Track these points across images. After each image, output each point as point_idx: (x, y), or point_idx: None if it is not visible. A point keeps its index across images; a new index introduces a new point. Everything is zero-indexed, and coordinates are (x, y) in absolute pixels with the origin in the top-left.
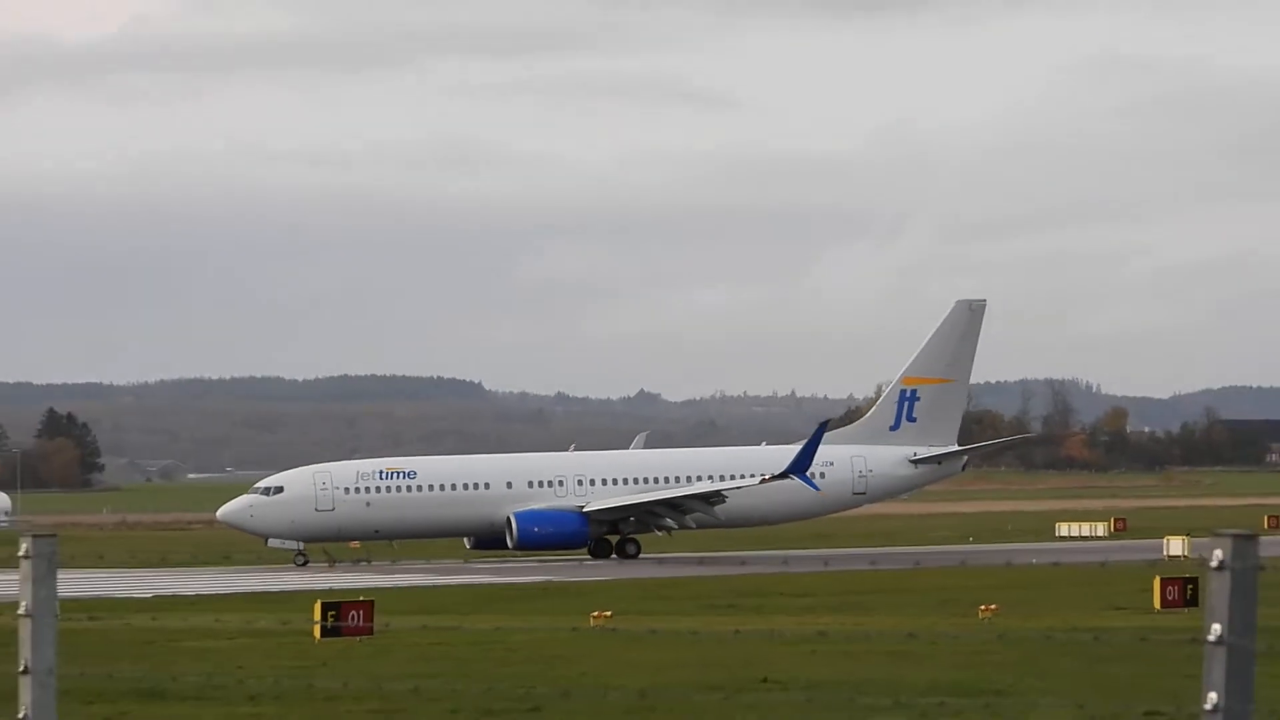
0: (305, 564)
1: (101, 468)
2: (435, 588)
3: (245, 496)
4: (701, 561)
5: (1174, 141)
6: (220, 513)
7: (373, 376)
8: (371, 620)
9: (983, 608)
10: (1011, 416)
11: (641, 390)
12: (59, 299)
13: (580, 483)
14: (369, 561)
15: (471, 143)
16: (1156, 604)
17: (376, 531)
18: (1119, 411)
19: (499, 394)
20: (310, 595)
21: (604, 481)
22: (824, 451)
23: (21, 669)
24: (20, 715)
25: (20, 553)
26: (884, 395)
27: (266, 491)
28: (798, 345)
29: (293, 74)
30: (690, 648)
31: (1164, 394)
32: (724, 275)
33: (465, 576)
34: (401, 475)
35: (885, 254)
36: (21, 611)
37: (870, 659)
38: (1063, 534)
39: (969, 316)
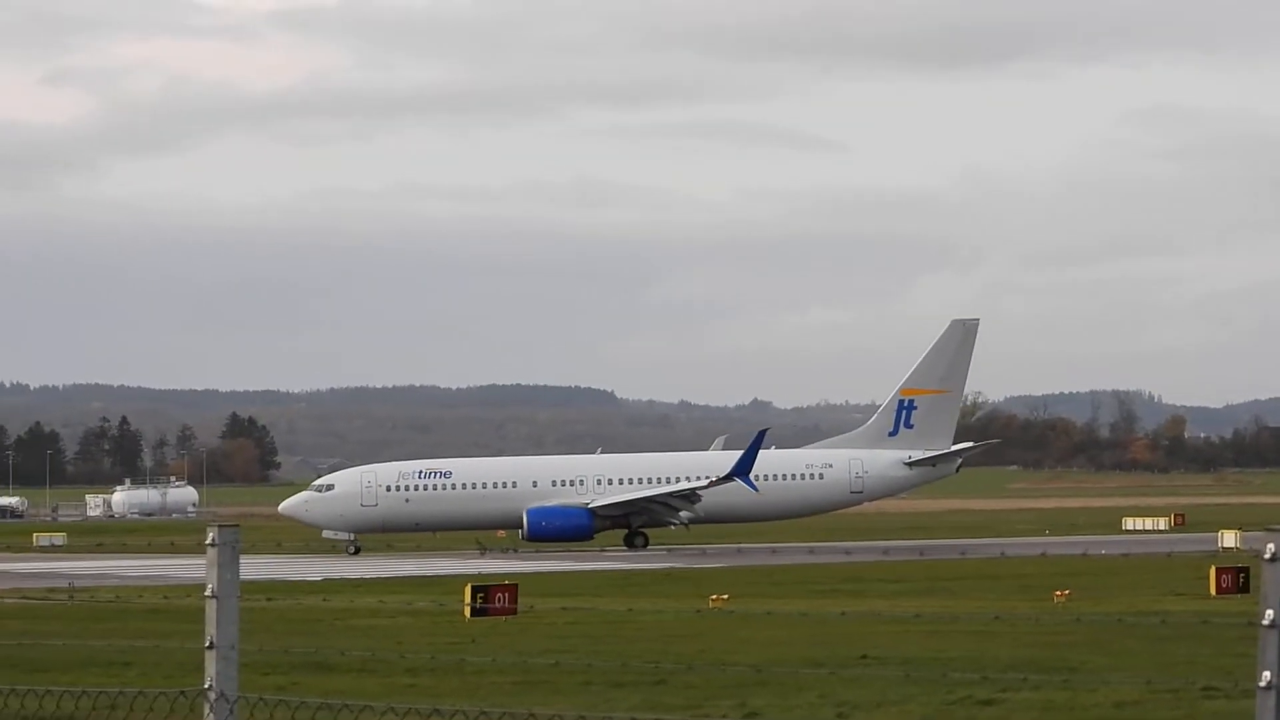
0: (357, 552)
1: (278, 465)
2: (573, 573)
3: (304, 493)
4: (812, 551)
5: (1223, 180)
6: (281, 506)
7: (518, 385)
8: (516, 602)
9: (1058, 593)
10: (1082, 424)
11: (755, 398)
12: (241, 316)
13: (600, 482)
14: (515, 550)
15: (606, 180)
16: (1212, 590)
17: (417, 524)
18: (1178, 419)
19: (630, 401)
20: (461, 579)
21: (621, 481)
22: (825, 454)
23: (207, 644)
24: (206, 685)
25: (207, 541)
26: (884, 405)
27: (320, 489)
28: (891, 359)
29: (448, 120)
30: (799, 627)
31: (1218, 404)
32: (827, 296)
33: (599, 563)
34: (439, 475)
35: (966, 278)
36: (208, 593)
37: (958, 638)
38: (1128, 528)
39: (963, 334)
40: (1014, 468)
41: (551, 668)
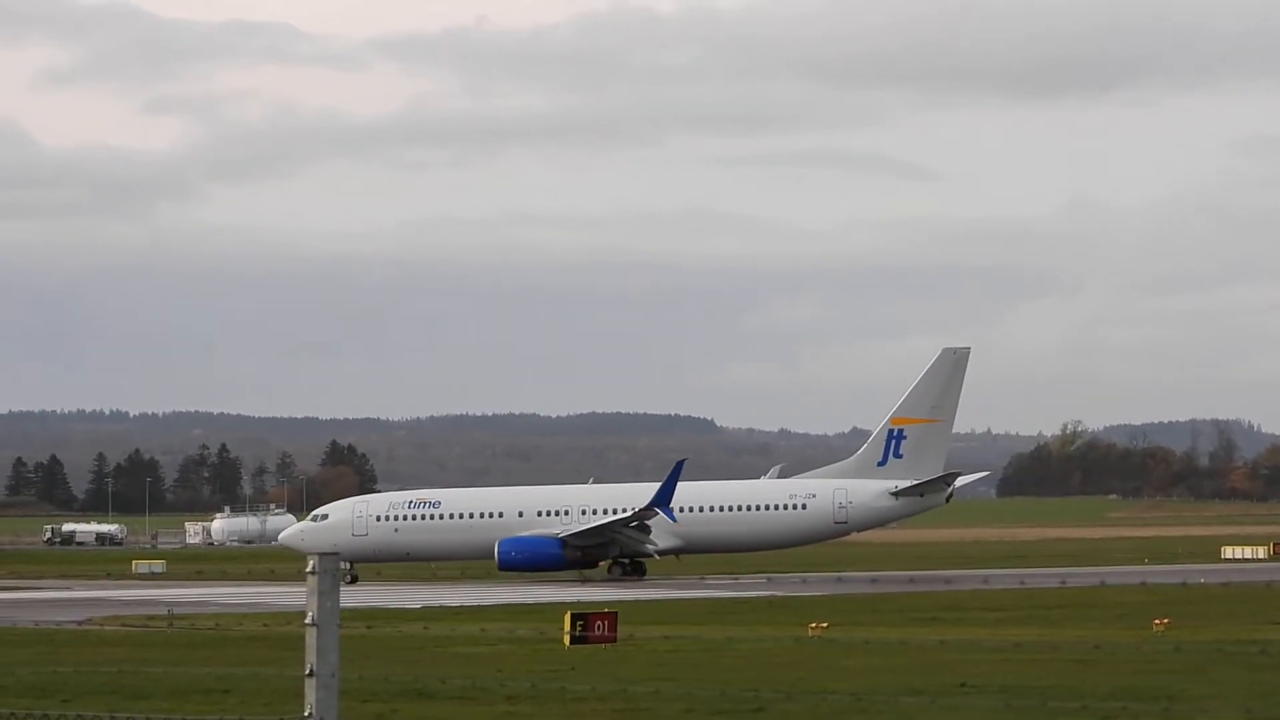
0: (353, 581)
1: (378, 493)
2: (673, 601)
3: (301, 523)
4: (912, 580)
5: None
6: (280, 536)
7: (618, 413)
8: (615, 629)
9: (1157, 621)
10: (1182, 452)
11: (855, 427)
12: (342, 344)
13: (585, 512)
14: (619, 578)
15: (707, 209)
16: None
17: (407, 554)
18: (1277, 448)
19: (729, 429)
20: (560, 607)
21: (606, 511)
22: (809, 484)
23: (308, 672)
24: (306, 713)
25: (308, 569)
26: (874, 434)
27: (316, 519)
28: (991, 388)
29: (552, 148)
30: (899, 655)
31: None
32: (926, 325)
33: (699, 591)
34: (428, 505)
35: (1068, 308)
36: (308, 621)
37: (1057, 666)
38: (1227, 556)
39: (954, 362)
40: (1113, 497)
41: (652, 695)
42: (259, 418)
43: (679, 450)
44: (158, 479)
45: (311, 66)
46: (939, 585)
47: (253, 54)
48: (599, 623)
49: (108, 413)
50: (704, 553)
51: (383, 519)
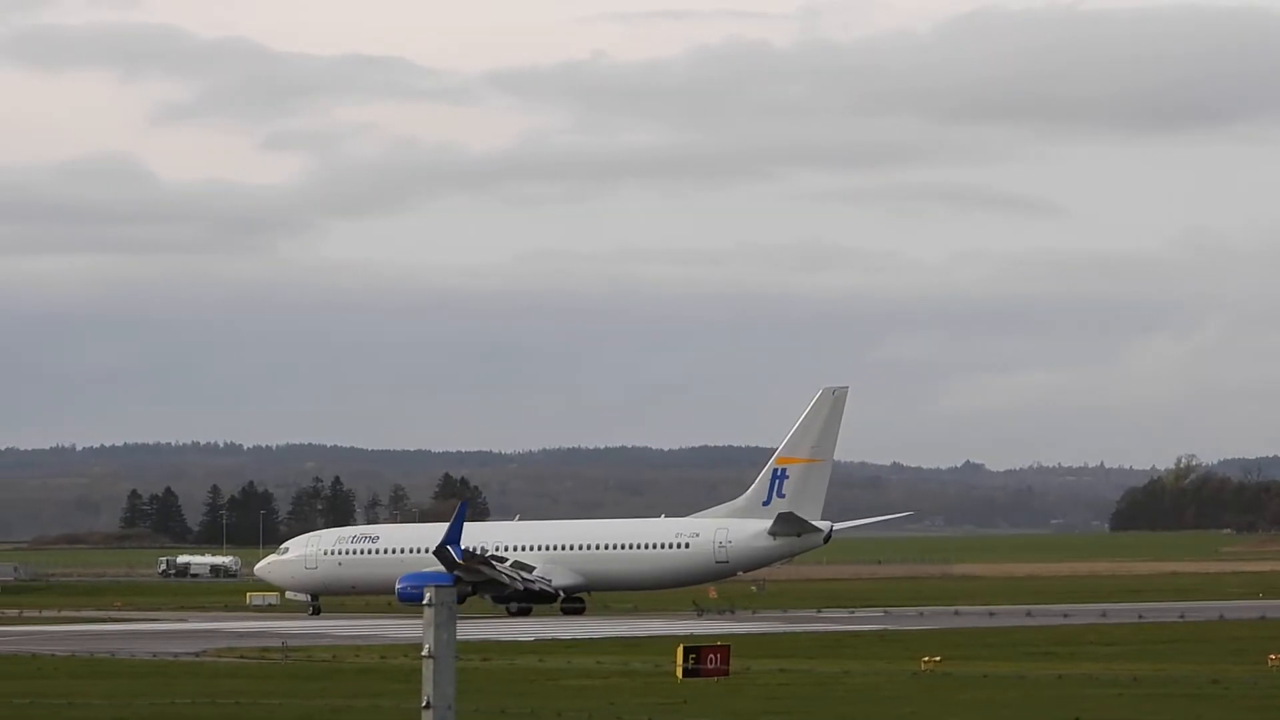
0: (316, 613)
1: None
2: (787, 634)
3: (270, 556)
4: (1029, 614)
5: None
6: (255, 568)
7: (729, 446)
8: (728, 663)
9: (1271, 656)
10: None
11: (967, 461)
12: (455, 378)
13: (512, 549)
14: (732, 611)
15: (823, 242)
16: None
17: (353, 587)
18: None
19: (840, 462)
20: (673, 640)
21: (531, 548)
22: (693, 523)
23: (424, 704)
24: None
25: (424, 601)
26: (761, 474)
27: (280, 552)
28: (1106, 422)
29: (667, 183)
30: (1014, 689)
31: None
32: (1041, 359)
33: (813, 625)
34: (368, 540)
35: (1182, 341)
36: (425, 653)
37: (1172, 701)
38: None
39: (832, 402)
40: (1227, 531)
41: None
42: (372, 450)
43: None
44: (271, 511)
45: (427, 101)
46: (1056, 619)
47: (369, 89)
48: (711, 656)
49: (222, 445)
50: (605, 590)
51: (329, 553)
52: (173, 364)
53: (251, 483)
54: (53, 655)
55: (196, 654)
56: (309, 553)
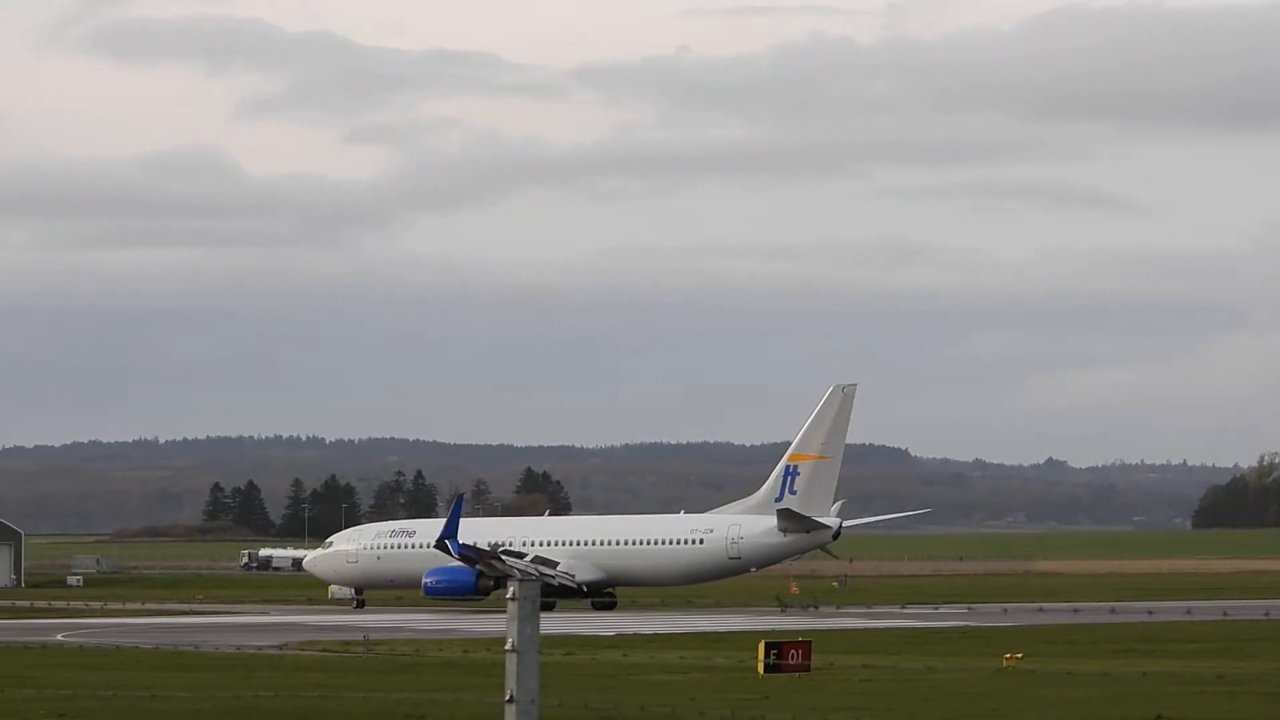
0: (360, 606)
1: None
2: (868, 630)
3: (317, 550)
4: (1113, 610)
5: None
6: (304, 562)
7: None
8: (809, 658)
9: None
10: None
11: (1050, 458)
12: (537, 372)
13: (539, 545)
14: (816, 607)
15: (906, 239)
16: None
17: (390, 581)
18: None
19: (923, 459)
20: (755, 635)
21: (551, 543)
22: (709, 520)
23: (507, 698)
24: None
25: (508, 595)
26: (775, 471)
27: (325, 546)
28: (1189, 419)
29: (749, 178)
30: (1096, 686)
31: None
32: (1123, 356)
33: (896, 620)
34: (405, 534)
35: (1267, 338)
36: (508, 647)
37: (1252, 699)
38: None
39: (841, 399)
40: None
41: None
42: (454, 444)
43: (873, 479)
44: (353, 505)
45: (512, 96)
46: (1140, 616)
47: (454, 83)
48: (793, 651)
49: (304, 439)
50: (624, 586)
51: (369, 548)
52: (256, 357)
53: (334, 476)
54: (135, 647)
55: (278, 647)
56: (350, 547)
